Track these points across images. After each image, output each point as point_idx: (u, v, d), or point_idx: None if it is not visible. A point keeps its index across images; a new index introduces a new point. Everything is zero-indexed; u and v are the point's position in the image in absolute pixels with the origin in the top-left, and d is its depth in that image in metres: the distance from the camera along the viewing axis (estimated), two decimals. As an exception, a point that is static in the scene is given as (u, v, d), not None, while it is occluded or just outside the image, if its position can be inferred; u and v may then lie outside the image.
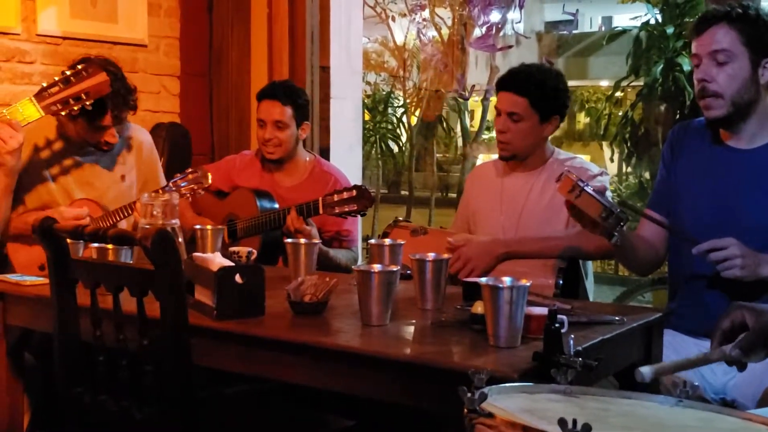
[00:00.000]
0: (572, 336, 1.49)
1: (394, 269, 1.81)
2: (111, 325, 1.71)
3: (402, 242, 2.20)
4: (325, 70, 3.79)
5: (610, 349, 1.74)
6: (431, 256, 1.95)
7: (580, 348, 1.57)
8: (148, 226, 2.05)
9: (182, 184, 2.64)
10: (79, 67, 2.46)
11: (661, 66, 10.26)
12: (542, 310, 1.68)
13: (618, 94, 12.31)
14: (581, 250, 2.38)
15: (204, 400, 1.96)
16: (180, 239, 2.11)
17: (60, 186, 2.69)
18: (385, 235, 2.59)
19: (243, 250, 2.23)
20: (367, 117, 12.56)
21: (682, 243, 2.12)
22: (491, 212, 2.60)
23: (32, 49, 3.36)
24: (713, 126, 2.18)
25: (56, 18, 3.40)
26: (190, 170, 2.68)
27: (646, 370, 1.27)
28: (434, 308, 1.95)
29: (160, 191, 2.60)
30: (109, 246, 2.08)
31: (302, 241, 2.27)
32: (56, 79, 2.43)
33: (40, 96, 2.42)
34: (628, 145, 11.30)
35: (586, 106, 15.94)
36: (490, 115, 11.30)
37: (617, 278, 8.27)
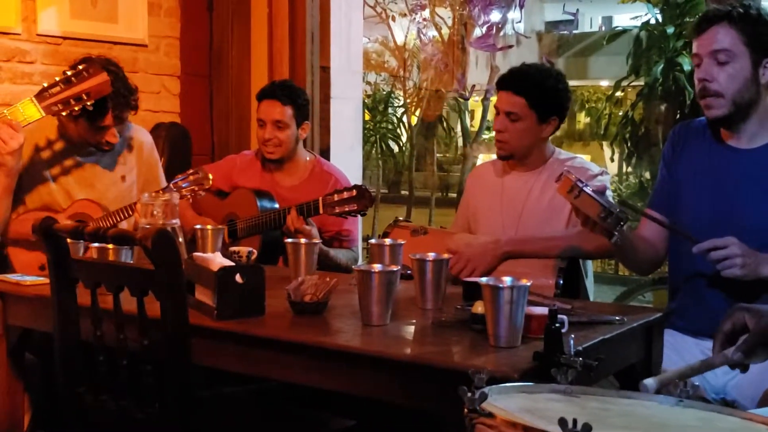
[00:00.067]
0: (572, 336, 1.49)
1: (395, 269, 1.81)
2: (111, 325, 1.71)
3: (402, 242, 2.20)
4: (325, 70, 3.79)
5: (610, 349, 1.74)
6: (431, 256, 1.95)
7: (580, 348, 1.58)
8: (148, 226, 2.05)
9: (183, 185, 2.64)
10: (80, 67, 2.45)
11: (662, 66, 10.25)
12: (542, 310, 1.68)
13: (618, 93, 12.30)
14: (581, 249, 2.38)
15: (204, 399, 1.97)
16: (180, 239, 2.11)
17: (60, 186, 2.69)
18: (385, 235, 2.59)
19: (243, 249, 2.23)
20: (367, 117, 12.56)
21: (683, 242, 2.12)
22: (491, 212, 2.60)
23: (32, 49, 3.36)
24: (714, 125, 2.18)
25: (56, 18, 3.40)
26: (191, 171, 2.68)
27: (650, 382, 1.27)
28: (434, 308, 1.95)
29: (161, 192, 2.60)
30: (110, 246, 2.08)
31: (302, 241, 2.27)
32: (57, 79, 2.43)
33: (40, 96, 2.42)
34: (629, 144, 11.29)
35: (587, 105, 15.93)
36: (491, 115, 11.29)
37: (617, 278, 8.27)
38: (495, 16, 5.89)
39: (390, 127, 13.92)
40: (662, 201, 2.27)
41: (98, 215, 2.64)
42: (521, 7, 5.86)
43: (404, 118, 13.53)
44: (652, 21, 10.76)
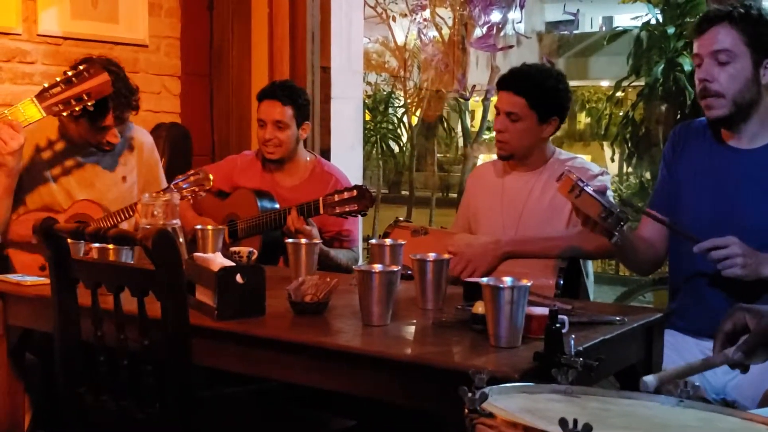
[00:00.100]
0: (573, 336, 1.49)
1: (395, 269, 1.81)
2: (112, 325, 1.71)
3: (403, 242, 2.20)
4: (325, 70, 3.79)
5: (610, 349, 1.74)
6: (432, 256, 1.95)
7: (580, 348, 1.58)
8: (148, 227, 2.05)
9: (184, 186, 2.64)
10: (81, 67, 2.45)
11: (662, 66, 10.25)
12: (543, 310, 1.68)
13: (619, 94, 12.29)
14: (582, 249, 2.38)
15: (205, 400, 1.97)
16: (181, 239, 2.11)
17: (61, 187, 2.69)
18: (385, 235, 2.59)
19: (244, 250, 2.23)
20: (367, 117, 12.56)
21: (683, 242, 2.11)
22: (492, 212, 2.60)
23: (33, 49, 3.36)
24: (714, 126, 2.18)
25: (57, 18, 3.40)
26: (191, 172, 2.68)
27: (650, 379, 1.28)
28: (435, 308, 1.95)
29: (161, 192, 2.60)
30: (110, 246, 2.08)
31: (303, 241, 2.27)
32: (58, 79, 2.43)
33: (41, 96, 2.42)
34: (629, 145, 11.29)
35: (587, 106, 15.92)
36: (491, 116, 11.29)
37: (618, 278, 8.27)
38: (495, 16, 5.89)
39: (390, 127, 13.92)
40: (663, 201, 2.27)
41: (99, 216, 2.64)
42: (522, 7, 5.86)
43: (405, 119, 13.53)
44: (653, 21, 10.75)
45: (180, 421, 1.64)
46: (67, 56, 3.40)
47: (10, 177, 2.50)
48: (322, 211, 2.66)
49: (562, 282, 2.32)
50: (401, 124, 13.91)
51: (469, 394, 1.06)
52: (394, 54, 11.32)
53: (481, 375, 1.12)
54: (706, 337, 2.03)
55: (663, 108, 10.52)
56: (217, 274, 1.83)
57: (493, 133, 2.62)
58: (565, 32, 13.42)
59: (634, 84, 11.39)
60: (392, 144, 14.03)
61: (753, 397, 1.95)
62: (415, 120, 12.87)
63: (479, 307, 1.72)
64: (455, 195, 13.32)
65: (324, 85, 3.78)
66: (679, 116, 9.91)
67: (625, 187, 12.12)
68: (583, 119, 16.48)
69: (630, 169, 12.62)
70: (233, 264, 1.93)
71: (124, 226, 2.64)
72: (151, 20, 3.71)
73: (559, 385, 1.22)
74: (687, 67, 9.73)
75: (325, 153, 3.69)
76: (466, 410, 1.07)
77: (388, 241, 2.21)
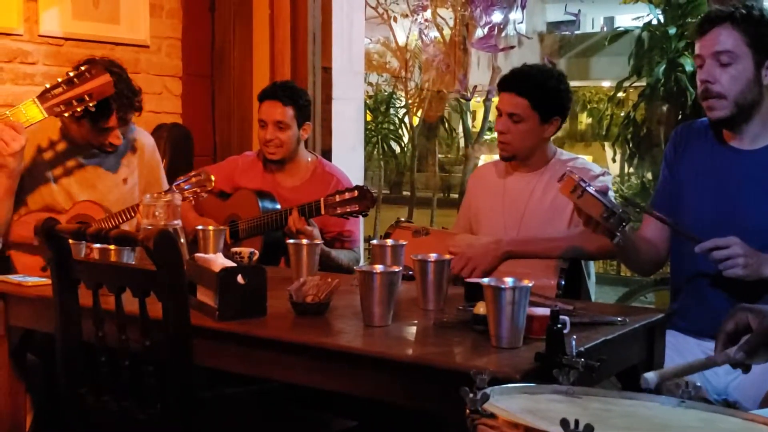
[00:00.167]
0: (574, 337, 1.49)
1: (396, 270, 1.81)
2: (113, 326, 1.71)
3: (404, 243, 2.20)
4: (327, 71, 3.79)
5: (612, 350, 1.74)
6: (433, 256, 1.95)
7: (582, 349, 1.58)
8: (150, 227, 2.05)
9: (186, 187, 2.64)
10: (83, 68, 2.45)
11: (663, 66, 10.25)
12: (544, 311, 1.67)
13: (620, 94, 12.29)
14: (583, 250, 2.38)
15: (206, 400, 1.97)
16: (182, 240, 2.11)
17: (62, 188, 2.69)
18: (387, 235, 2.59)
19: (245, 250, 2.23)
20: (369, 118, 12.56)
21: (685, 243, 2.11)
22: (493, 213, 2.60)
23: (34, 49, 3.36)
24: (716, 126, 2.18)
25: (58, 19, 3.40)
26: (193, 173, 2.69)
27: (651, 376, 1.28)
28: (436, 309, 1.95)
29: (163, 193, 2.60)
30: (112, 247, 2.08)
31: (304, 241, 2.27)
32: (59, 80, 2.43)
33: (43, 97, 2.42)
34: (630, 145, 11.28)
35: (588, 106, 15.92)
36: (492, 116, 11.30)
37: (619, 279, 8.26)
38: (497, 16, 5.89)
39: (392, 127, 13.92)
40: (664, 202, 2.27)
41: (100, 216, 2.64)
42: (523, 7, 5.86)
43: (406, 119, 13.53)
44: (654, 22, 10.75)
45: (181, 421, 1.64)
46: (68, 57, 3.41)
47: (11, 178, 2.50)
48: (323, 212, 2.66)
49: (563, 282, 2.31)
50: (402, 125, 13.91)
51: (471, 395, 1.06)
52: (395, 54, 11.32)
53: (483, 375, 1.12)
54: (707, 337, 2.03)
55: (664, 108, 10.51)
56: (219, 274, 1.83)
57: (495, 134, 2.62)
58: (567, 33, 13.41)
59: (635, 84, 11.39)
60: (393, 144, 14.03)
61: (754, 397, 1.95)
62: (416, 120, 12.87)
63: (480, 308, 1.72)
64: (456, 195, 13.32)
65: (325, 85, 3.79)
66: (680, 116, 9.91)
67: (627, 188, 12.11)
68: (585, 120, 16.47)
69: (631, 170, 12.62)
70: (234, 265, 1.93)
71: (126, 227, 2.64)
72: (153, 21, 3.72)
73: (560, 386, 1.22)
74: (688, 68, 9.73)
75: (327, 153, 3.69)
76: (468, 411, 1.07)
77: (389, 242, 2.21)
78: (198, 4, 3.89)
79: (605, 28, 17.28)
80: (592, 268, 2.59)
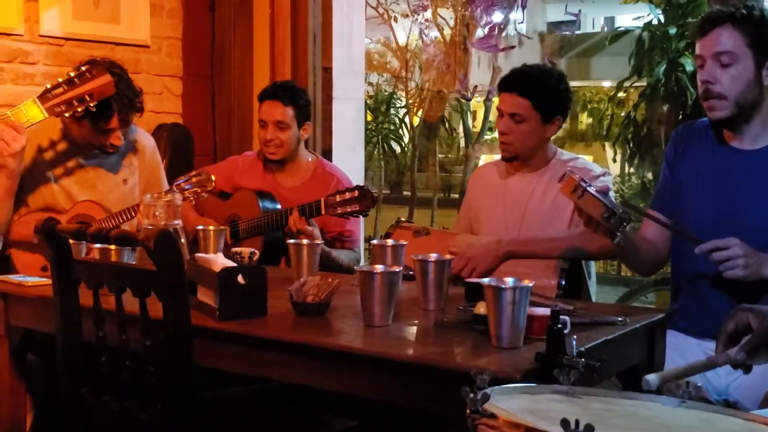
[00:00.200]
0: (575, 337, 1.49)
1: (397, 270, 1.81)
2: (113, 326, 1.71)
3: (404, 243, 2.20)
4: (327, 71, 3.79)
5: (612, 350, 1.74)
6: (434, 256, 1.95)
7: (582, 349, 1.58)
8: (150, 227, 2.05)
9: (186, 187, 2.64)
10: (83, 68, 2.46)
11: (664, 66, 10.24)
12: (545, 311, 1.67)
13: (620, 94, 12.30)
14: (584, 250, 2.38)
15: (206, 400, 1.97)
16: (182, 240, 2.11)
17: (62, 188, 2.69)
18: (387, 235, 2.59)
19: (245, 250, 2.23)
20: (369, 118, 12.56)
21: (685, 243, 2.11)
22: (494, 213, 2.60)
23: (35, 49, 3.36)
24: (717, 127, 2.18)
25: (59, 19, 3.40)
26: (193, 173, 2.69)
27: (652, 378, 1.27)
28: (437, 309, 1.95)
29: (164, 193, 2.60)
30: (112, 247, 2.08)
31: (304, 241, 2.27)
32: (60, 80, 2.43)
33: (43, 97, 2.42)
34: (631, 145, 11.28)
35: (589, 106, 15.92)
36: (493, 116, 11.29)
37: (620, 279, 8.26)
38: (497, 16, 5.89)
39: (392, 127, 13.91)
40: (665, 201, 2.27)
41: (100, 216, 2.64)
42: (523, 7, 5.86)
43: (406, 119, 13.53)
44: (655, 21, 10.75)
45: (181, 421, 1.64)
46: (68, 57, 3.41)
47: (12, 179, 2.50)
48: (323, 212, 2.66)
49: (563, 282, 2.31)
50: (403, 125, 13.91)
51: (471, 395, 1.06)
52: (395, 54, 11.31)
53: (483, 375, 1.12)
54: (708, 337, 2.03)
55: (665, 108, 10.51)
56: (219, 274, 1.83)
57: (495, 134, 2.62)
58: (567, 33, 13.41)
59: (635, 84, 11.39)
60: (394, 144, 14.03)
61: (755, 397, 1.95)
62: (416, 120, 12.87)
63: (481, 308, 1.72)
64: (457, 195, 13.31)
65: (325, 85, 3.79)
66: (680, 116, 9.91)
67: (627, 188, 12.11)
68: (585, 120, 16.47)
69: (632, 170, 12.61)
70: (235, 265, 1.93)
71: (126, 227, 2.64)
72: (153, 21, 3.72)
73: (560, 386, 1.21)
74: (689, 68, 9.73)
75: (327, 154, 3.69)
76: (468, 411, 1.07)
77: (389, 242, 2.21)
78: (198, 4, 3.89)
79: (606, 28, 17.28)
80: (593, 268, 2.59)
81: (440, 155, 14.27)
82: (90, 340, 1.78)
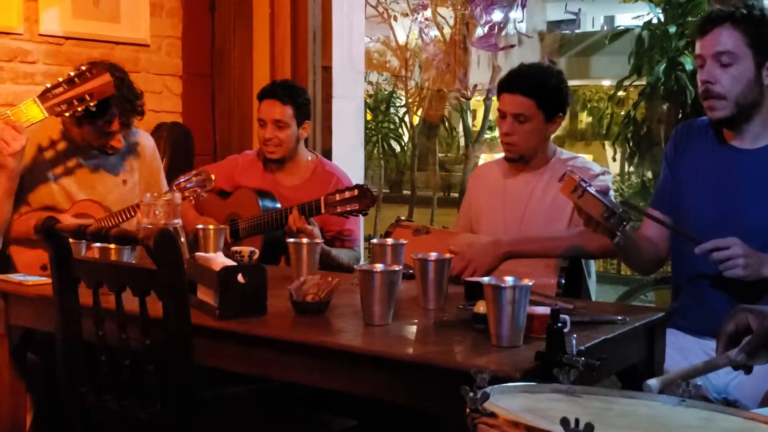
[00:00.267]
0: (575, 335, 1.49)
1: (397, 269, 1.81)
2: (113, 325, 1.71)
3: (404, 242, 2.20)
4: (327, 70, 3.79)
5: (612, 349, 1.74)
6: (434, 255, 1.95)
7: (582, 347, 1.58)
8: (150, 226, 2.05)
9: (187, 186, 2.64)
10: (83, 68, 2.45)
11: (664, 65, 10.23)
12: (545, 310, 1.67)
13: (620, 93, 12.28)
14: (584, 249, 2.38)
15: (206, 400, 1.97)
16: (182, 239, 2.11)
17: (61, 188, 2.69)
18: (387, 234, 2.58)
19: (245, 249, 2.22)
20: (369, 117, 12.55)
21: (685, 242, 2.11)
22: (494, 212, 2.60)
23: (35, 49, 3.36)
24: (717, 126, 2.18)
25: (58, 18, 3.40)
26: (193, 172, 2.69)
27: (653, 383, 1.28)
28: (436, 308, 1.95)
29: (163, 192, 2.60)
30: (112, 246, 2.08)
31: (304, 240, 2.27)
32: (60, 79, 2.43)
33: (44, 97, 2.42)
34: (631, 144, 11.27)
35: (589, 105, 15.91)
36: (493, 115, 11.29)
37: (620, 277, 8.25)
38: (497, 15, 5.89)
39: (392, 126, 13.90)
40: (665, 201, 2.27)
41: (100, 216, 2.64)
42: (523, 6, 5.86)
43: (406, 118, 13.52)
44: (654, 20, 10.74)
45: (181, 420, 1.64)
46: (68, 56, 3.41)
47: (11, 179, 2.50)
48: (323, 211, 2.66)
49: (563, 281, 2.31)
50: (403, 124, 13.90)
51: (471, 394, 1.06)
52: (395, 53, 11.31)
53: (483, 374, 1.12)
54: (708, 336, 2.03)
55: (664, 107, 10.50)
56: (219, 273, 1.83)
57: (495, 133, 2.62)
58: (567, 31, 13.42)
59: (635, 83, 11.37)
60: (394, 143, 14.02)
61: (755, 396, 1.95)
62: (416, 119, 12.86)
63: (481, 307, 1.72)
64: (457, 195, 13.31)
65: (325, 84, 3.79)
66: (680, 115, 9.90)
67: (627, 187, 12.10)
68: (585, 119, 16.47)
69: (632, 169, 12.60)
70: (235, 264, 1.93)
71: (126, 227, 2.64)
72: (153, 20, 3.72)
73: (560, 385, 1.21)
74: (688, 67, 9.72)
75: (327, 153, 3.69)
76: (468, 410, 1.07)
77: (389, 241, 2.21)
78: (198, 3, 3.89)
79: (605, 27, 17.29)
80: (593, 266, 2.59)
81: (440, 154, 14.26)
82: (90, 339, 1.78)
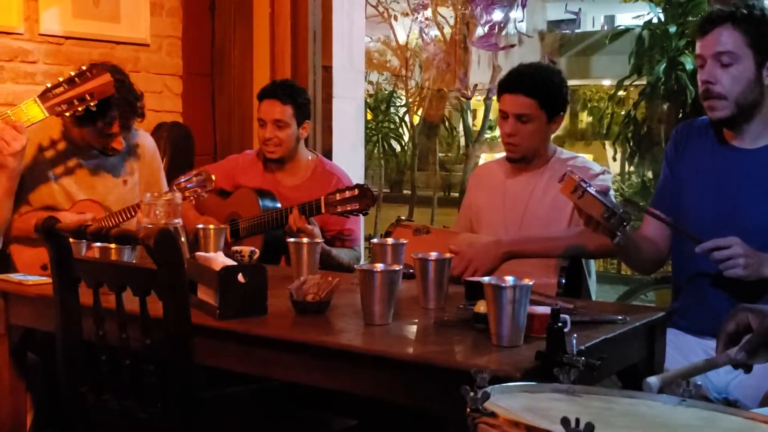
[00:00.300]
0: (575, 335, 1.49)
1: (397, 268, 1.81)
2: (113, 325, 1.71)
3: (405, 241, 2.20)
4: (327, 69, 3.79)
5: (612, 349, 1.74)
6: (434, 255, 1.95)
7: (582, 347, 1.58)
8: (150, 226, 2.05)
9: (188, 186, 2.64)
10: (84, 68, 2.45)
11: (664, 65, 10.23)
12: (545, 310, 1.67)
13: (620, 93, 12.28)
14: (584, 249, 2.38)
15: (206, 399, 1.97)
16: (183, 239, 2.11)
17: (61, 188, 2.69)
18: (387, 234, 2.58)
19: (245, 249, 2.22)
20: (369, 116, 12.55)
21: (686, 242, 2.11)
22: (494, 212, 2.60)
23: (35, 48, 3.36)
24: (717, 126, 2.18)
25: (59, 18, 3.40)
26: (194, 172, 2.69)
27: (653, 381, 1.28)
28: (437, 307, 1.95)
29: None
30: (112, 245, 2.08)
31: (304, 240, 2.27)
32: (61, 79, 2.43)
33: (44, 97, 2.42)
34: (631, 144, 11.27)
35: (589, 105, 15.91)
36: (493, 115, 11.29)
37: (620, 277, 8.25)
38: (497, 15, 5.89)
39: (392, 126, 13.90)
40: (665, 200, 2.27)
41: (101, 215, 2.64)
42: (523, 6, 5.86)
43: (406, 118, 13.52)
44: (655, 20, 10.74)
45: (181, 420, 1.64)
46: (68, 56, 3.41)
47: (12, 179, 2.50)
48: (323, 210, 2.66)
49: (564, 281, 2.31)
50: (403, 124, 13.90)
51: (471, 394, 1.06)
52: (395, 53, 11.32)
53: (483, 374, 1.12)
54: (708, 336, 2.03)
55: (665, 107, 10.50)
56: (219, 273, 1.83)
57: (495, 133, 2.62)
58: (567, 31, 13.42)
59: (635, 83, 11.37)
60: (394, 143, 14.02)
61: (755, 396, 1.95)
62: (416, 119, 12.86)
63: (481, 306, 1.72)
64: (457, 194, 13.30)
65: (325, 84, 3.78)
66: (680, 115, 9.90)
67: (627, 186, 12.10)
68: (585, 118, 16.47)
69: (632, 168, 12.60)
70: (235, 263, 1.93)
71: (126, 226, 2.64)
72: (153, 20, 3.71)
73: (561, 385, 1.21)
74: (689, 66, 9.72)
75: (327, 152, 3.69)
76: (468, 409, 1.07)
77: (390, 240, 2.21)
78: (198, 3, 3.89)
79: (606, 27, 17.28)
80: (593, 266, 2.59)
81: (440, 154, 14.26)
82: (90, 338, 1.78)
